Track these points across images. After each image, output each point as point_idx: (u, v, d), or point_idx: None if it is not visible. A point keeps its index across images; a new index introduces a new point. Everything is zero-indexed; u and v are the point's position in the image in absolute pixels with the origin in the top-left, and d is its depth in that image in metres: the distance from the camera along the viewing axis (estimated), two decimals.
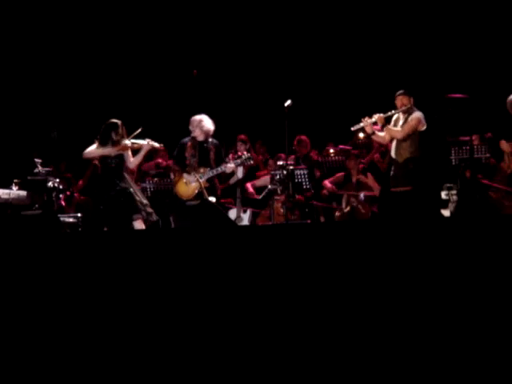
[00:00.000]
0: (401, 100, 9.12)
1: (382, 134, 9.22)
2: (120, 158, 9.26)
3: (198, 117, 9.69)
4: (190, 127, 9.70)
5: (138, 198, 9.15)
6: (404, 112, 9.09)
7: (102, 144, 9.29)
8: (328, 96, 12.79)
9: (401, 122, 9.12)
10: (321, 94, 12.83)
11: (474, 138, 9.71)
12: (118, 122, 9.34)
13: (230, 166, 9.67)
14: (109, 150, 9.24)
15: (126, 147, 9.25)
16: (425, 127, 9.01)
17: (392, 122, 9.20)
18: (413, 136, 8.98)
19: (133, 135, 9.32)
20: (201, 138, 9.66)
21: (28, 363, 5.30)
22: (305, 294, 5.17)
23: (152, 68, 13.33)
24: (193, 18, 13.27)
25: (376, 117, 9.10)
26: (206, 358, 5.10)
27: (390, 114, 9.14)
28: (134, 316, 5.35)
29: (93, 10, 13.32)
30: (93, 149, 9.38)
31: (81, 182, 12.06)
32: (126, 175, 9.30)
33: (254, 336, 5.11)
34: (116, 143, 9.24)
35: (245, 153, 10.03)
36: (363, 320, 5.00)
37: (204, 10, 13.24)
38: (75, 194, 11.55)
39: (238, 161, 9.81)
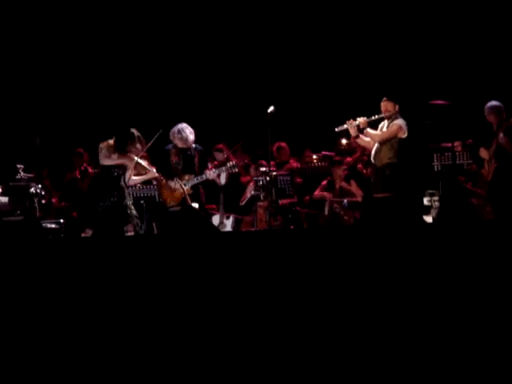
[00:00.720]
0: (385, 105, 9.20)
1: (367, 139, 9.27)
2: (122, 170, 9.14)
3: (176, 127, 9.66)
4: (171, 137, 9.69)
5: (130, 212, 9.11)
6: (388, 118, 9.16)
7: (119, 150, 9.08)
8: (310, 102, 12.81)
9: (384, 128, 9.19)
10: (303, 100, 12.84)
11: (456, 144, 9.77)
12: (136, 133, 9.15)
13: (213, 173, 9.65)
14: (123, 161, 9.06)
15: (131, 161, 9.10)
16: (406, 135, 9.06)
17: (378, 128, 9.26)
18: (392, 142, 9.04)
19: (153, 140, 9.22)
20: (182, 146, 9.65)
21: (11, 367, 5.28)
22: (287, 299, 5.17)
23: (135, 73, 13.30)
24: (176, 24, 13.26)
25: (360, 120, 9.16)
26: (190, 362, 5.10)
27: (373, 118, 9.20)
28: (117, 321, 5.33)
29: (76, 16, 13.28)
30: (108, 156, 9.16)
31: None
32: (123, 186, 9.21)
33: (237, 340, 5.11)
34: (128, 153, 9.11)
35: (230, 162, 9.99)
36: (345, 324, 5.01)
37: (187, 16, 13.23)
38: (53, 200, 11.49)
39: (223, 168, 9.80)
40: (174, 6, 13.22)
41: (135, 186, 10.06)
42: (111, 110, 12.93)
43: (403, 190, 9.01)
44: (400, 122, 9.08)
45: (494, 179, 9.18)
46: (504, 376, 4.67)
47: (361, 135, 9.27)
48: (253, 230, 10.21)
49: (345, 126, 9.24)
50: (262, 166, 10.54)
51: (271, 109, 9.49)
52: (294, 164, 11.13)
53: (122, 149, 9.01)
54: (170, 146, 9.70)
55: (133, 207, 9.19)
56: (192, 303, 5.30)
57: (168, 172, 9.62)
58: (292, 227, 10.32)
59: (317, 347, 4.98)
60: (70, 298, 5.49)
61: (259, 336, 5.09)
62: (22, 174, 10.63)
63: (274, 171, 9.98)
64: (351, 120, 9.20)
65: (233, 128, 12.53)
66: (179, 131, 9.60)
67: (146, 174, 9.34)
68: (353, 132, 9.25)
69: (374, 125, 9.30)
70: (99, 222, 9.03)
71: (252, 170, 11.10)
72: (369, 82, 12.10)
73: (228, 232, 9.83)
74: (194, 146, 9.70)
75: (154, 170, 9.37)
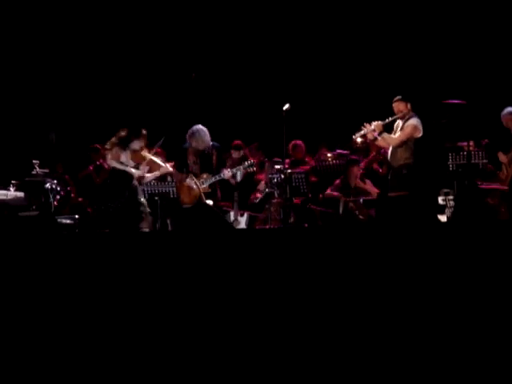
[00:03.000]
0: (397, 106, 9.19)
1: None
2: (135, 167, 9.26)
3: (191, 130, 9.68)
4: (187, 137, 9.72)
5: (143, 209, 9.17)
6: (402, 118, 9.14)
7: (122, 146, 9.22)
8: (325, 100, 12.79)
9: (399, 128, 9.17)
10: (318, 98, 12.82)
11: (470, 143, 9.73)
12: (144, 131, 9.29)
13: (230, 172, 9.70)
14: (128, 160, 9.19)
15: (144, 160, 9.25)
16: (421, 134, 9.04)
17: (394, 129, 9.25)
18: (408, 142, 9.03)
19: (157, 145, 9.34)
20: (202, 147, 9.68)
21: (24, 363, 5.30)
22: (301, 296, 5.17)
23: (150, 70, 13.33)
24: (191, 21, 13.27)
25: (375, 124, 9.14)
26: (203, 359, 5.11)
27: (387, 121, 9.19)
28: (131, 317, 5.35)
29: (91, 12, 13.31)
30: (115, 157, 9.25)
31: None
32: (136, 185, 9.29)
33: (250, 337, 5.11)
34: (137, 152, 9.22)
35: (248, 161, 10.03)
36: (359, 321, 5.01)
37: (202, 13, 13.24)
38: (72, 195, 11.55)
39: (240, 167, 9.84)
40: (189, 4, 13.24)
41: (150, 182, 10.11)
42: (126, 107, 12.95)
43: (419, 188, 9.00)
44: (414, 121, 9.05)
45: None
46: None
47: (378, 137, 9.24)
48: (267, 227, 10.21)
49: (361, 131, 9.24)
50: (278, 162, 10.55)
51: (286, 106, 9.49)
52: (310, 162, 11.13)
53: (125, 143, 9.15)
54: (186, 145, 9.72)
55: (146, 204, 9.24)
56: (205, 299, 5.31)
57: (186, 171, 9.65)
58: (306, 225, 10.31)
59: (329, 343, 4.98)
60: (82, 293, 5.51)
61: (271, 333, 5.09)
62: (37, 169, 10.70)
63: (288, 169, 9.98)
64: (367, 125, 9.19)
65: (248, 126, 12.53)
66: (194, 133, 9.63)
67: (158, 170, 9.41)
68: (370, 136, 9.25)
69: (389, 126, 9.28)
70: (113, 221, 9.09)
71: (267, 168, 11.07)
72: (384, 80, 12.07)
73: (242, 229, 9.85)
74: (211, 143, 9.73)
75: (168, 166, 9.40)
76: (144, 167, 9.39)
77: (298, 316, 5.12)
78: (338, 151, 11.20)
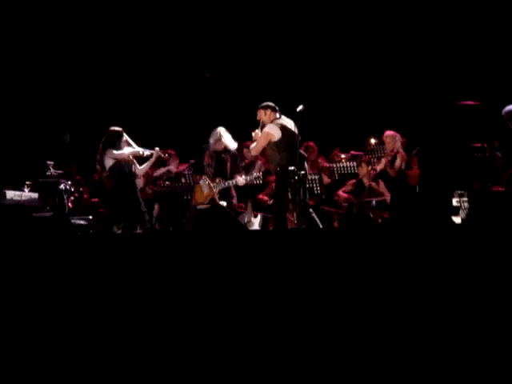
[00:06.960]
0: (258, 115, 9.25)
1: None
2: (130, 165, 9.33)
3: (217, 130, 9.78)
4: (210, 138, 9.81)
5: (140, 207, 9.25)
6: (263, 126, 9.16)
7: (114, 148, 9.31)
8: (340, 101, 12.79)
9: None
10: (332, 100, 12.82)
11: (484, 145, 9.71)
12: (120, 129, 9.40)
13: (242, 181, 9.77)
14: (129, 152, 9.29)
15: (138, 154, 9.33)
16: (279, 136, 8.99)
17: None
18: (272, 147, 9.02)
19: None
20: (219, 148, 9.75)
21: (40, 362, 5.32)
22: (314, 298, 5.16)
23: (165, 72, 13.37)
24: (206, 22, 13.30)
25: (254, 134, 9.18)
26: (215, 360, 5.11)
27: (257, 130, 9.17)
28: (145, 317, 5.36)
29: (107, 15, 13.37)
30: (121, 151, 9.33)
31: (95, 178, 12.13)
32: (135, 182, 9.39)
33: (262, 338, 5.11)
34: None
35: (256, 173, 10.11)
36: (372, 323, 5.00)
37: (217, 14, 13.27)
38: (84, 196, 11.60)
39: (248, 178, 9.91)
40: (204, 5, 13.27)
41: (163, 183, 10.17)
42: (141, 109, 12.98)
43: (286, 192, 8.97)
44: (267, 128, 9.07)
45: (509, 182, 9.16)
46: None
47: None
48: None
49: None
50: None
51: (300, 107, 9.48)
52: (323, 163, 11.11)
53: (116, 146, 9.21)
54: (205, 147, 9.81)
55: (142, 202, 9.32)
56: (219, 300, 5.32)
57: (200, 171, 9.73)
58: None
59: (342, 346, 4.98)
60: (96, 293, 5.52)
61: (284, 332, 5.09)
62: (52, 170, 10.74)
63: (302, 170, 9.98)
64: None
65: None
66: (221, 135, 9.75)
67: (145, 157, 9.46)
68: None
69: None
70: (122, 217, 9.17)
71: None
72: (398, 82, 12.06)
73: (255, 230, 9.85)
74: (227, 150, 9.81)
75: (157, 149, 9.43)
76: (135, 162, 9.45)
77: (311, 316, 5.12)
78: (352, 153, 11.19)
